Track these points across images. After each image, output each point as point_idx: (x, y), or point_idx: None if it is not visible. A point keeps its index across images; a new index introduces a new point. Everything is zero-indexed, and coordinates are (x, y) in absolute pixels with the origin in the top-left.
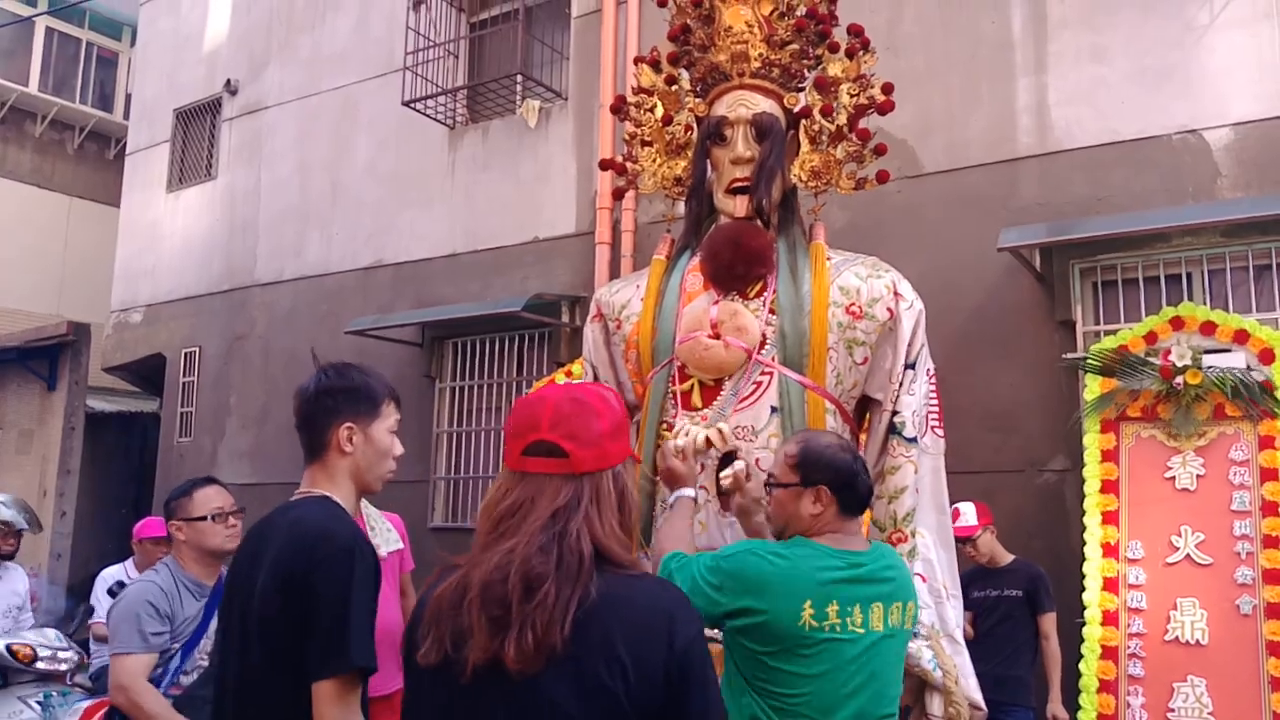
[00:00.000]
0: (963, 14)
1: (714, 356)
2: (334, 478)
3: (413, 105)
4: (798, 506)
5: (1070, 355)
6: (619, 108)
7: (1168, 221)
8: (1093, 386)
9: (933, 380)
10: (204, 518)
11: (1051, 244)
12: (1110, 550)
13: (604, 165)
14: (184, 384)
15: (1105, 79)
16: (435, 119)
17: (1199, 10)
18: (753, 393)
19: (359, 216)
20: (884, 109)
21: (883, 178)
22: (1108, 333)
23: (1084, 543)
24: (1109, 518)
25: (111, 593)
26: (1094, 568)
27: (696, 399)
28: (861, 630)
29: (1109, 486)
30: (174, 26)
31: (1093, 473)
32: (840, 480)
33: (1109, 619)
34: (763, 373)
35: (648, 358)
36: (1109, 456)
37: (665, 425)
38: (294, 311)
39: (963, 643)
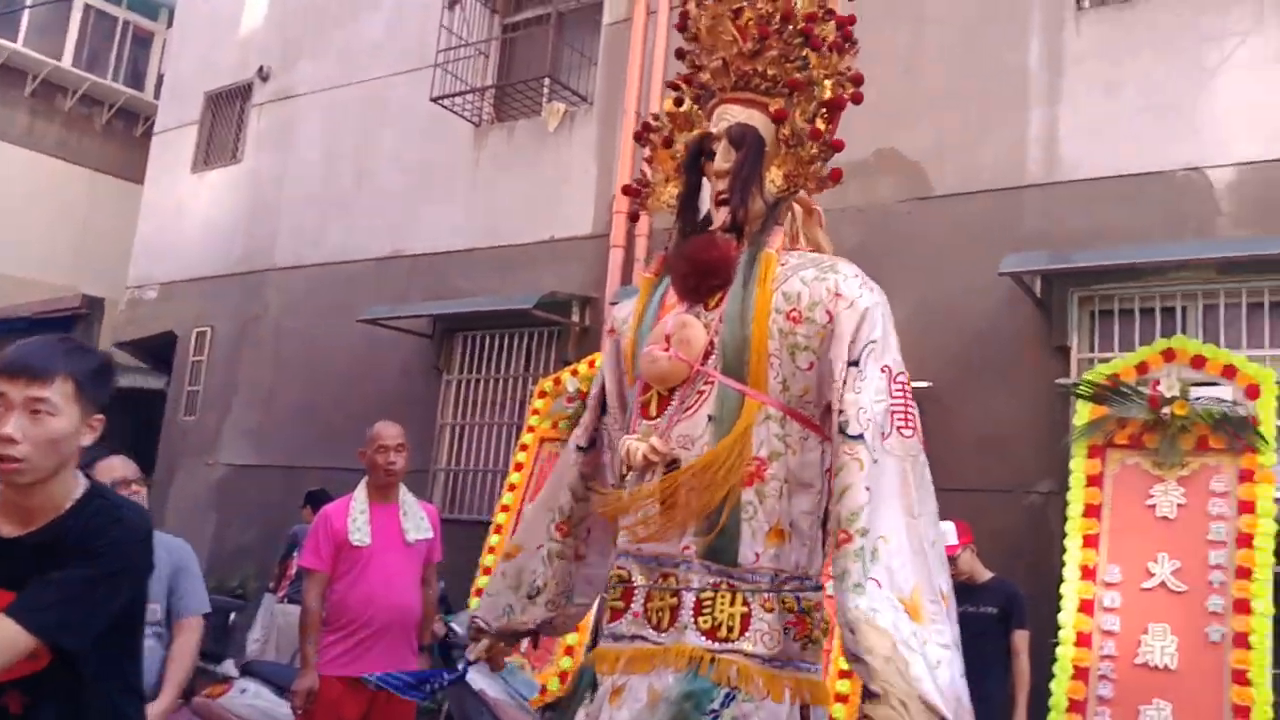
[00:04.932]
0: (984, 41)
1: (659, 368)
2: None
3: (441, 101)
4: None
5: (1063, 381)
6: (641, 135)
7: (1165, 255)
8: (1083, 412)
9: (899, 380)
10: None
11: (1052, 271)
12: (1088, 573)
13: (625, 191)
14: (193, 363)
15: (1117, 115)
16: (462, 116)
17: (1212, 51)
18: (695, 403)
19: (380, 207)
20: (841, 105)
21: (835, 176)
22: (1101, 360)
23: (1064, 564)
24: (1089, 541)
25: None
26: (1071, 589)
27: (653, 409)
28: None
29: (1092, 510)
30: (211, 9)
31: (1077, 496)
32: None
33: (1082, 640)
34: (705, 383)
35: (630, 370)
36: (1094, 481)
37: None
38: (309, 297)
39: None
